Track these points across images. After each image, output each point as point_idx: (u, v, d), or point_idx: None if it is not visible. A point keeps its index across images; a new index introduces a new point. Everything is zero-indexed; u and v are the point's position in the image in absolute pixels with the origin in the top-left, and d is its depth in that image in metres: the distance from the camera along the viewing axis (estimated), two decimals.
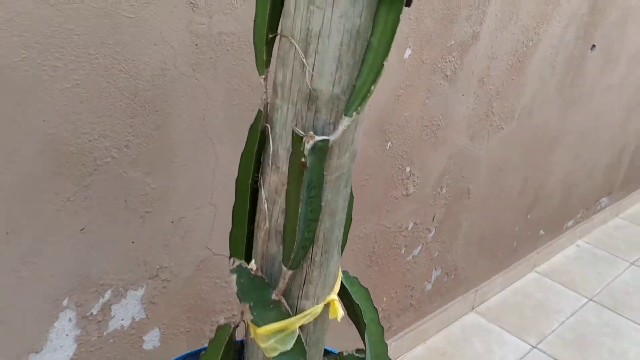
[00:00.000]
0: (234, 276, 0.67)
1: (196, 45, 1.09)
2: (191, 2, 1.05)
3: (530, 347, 2.25)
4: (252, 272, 0.68)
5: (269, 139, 0.67)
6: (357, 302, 0.79)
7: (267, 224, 0.68)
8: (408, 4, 0.58)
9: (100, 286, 1.15)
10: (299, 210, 0.61)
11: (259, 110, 0.67)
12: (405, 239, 1.87)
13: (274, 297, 0.68)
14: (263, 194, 0.69)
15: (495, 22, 1.73)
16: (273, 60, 0.67)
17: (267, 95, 0.67)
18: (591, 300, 2.58)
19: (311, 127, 0.62)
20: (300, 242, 0.64)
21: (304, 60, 0.59)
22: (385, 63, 0.58)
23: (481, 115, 1.89)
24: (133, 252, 1.17)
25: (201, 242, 1.29)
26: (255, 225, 0.71)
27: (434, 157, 1.80)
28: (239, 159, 0.76)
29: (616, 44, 2.43)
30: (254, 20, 0.65)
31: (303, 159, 0.58)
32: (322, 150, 0.61)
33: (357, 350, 0.82)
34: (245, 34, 1.16)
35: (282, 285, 0.68)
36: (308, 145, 0.59)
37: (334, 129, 0.62)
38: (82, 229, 1.08)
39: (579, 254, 2.94)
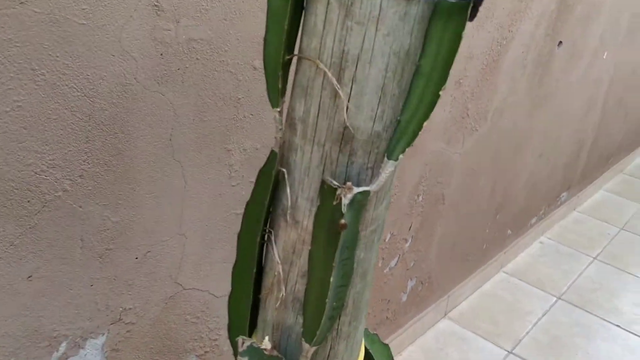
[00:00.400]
0: None
1: (161, 54, 0.93)
2: (155, 5, 0.89)
3: (506, 352, 2.19)
4: (267, 352, 0.54)
5: (286, 187, 0.53)
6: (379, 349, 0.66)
7: (283, 291, 0.54)
8: (472, 18, 0.45)
9: (53, 339, 0.98)
10: (331, 278, 0.47)
11: (273, 152, 0.53)
12: (382, 251, 1.76)
13: None
14: (276, 253, 0.54)
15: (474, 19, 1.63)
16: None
17: (284, 132, 0.52)
18: (560, 299, 2.56)
19: (343, 174, 0.49)
20: (328, 313, 0.50)
21: (339, 91, 0.46)
22: (441, 93, 0.45)
23: (457, 118, 1.80)
24: (92, 296, 1.01)
25: (169, 278, 1.13)
26: (264, 290, 0.57)
27: (411, 164, 1.69)
28: (244, 209, 0.61)
29: (580, 40, 2.39)
30: (265, 39, 0.50)
31: (342, 220, 0.45)
32: (360, 204, 0.48)
33: None
34: (217, 40, 1.00)
35: None
36: (346, 200, 0.45)
37: (372, 174, 0.49)
38: (29, 277, 0.90)
39: (543, 251, 2.91)
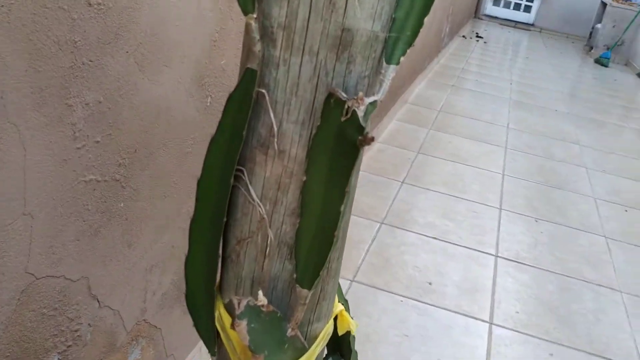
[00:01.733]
0: (244, 322, 0.43)
1: None
2: None
3: (350, 281, 2.29)
4: (264, 309, 0.45)
5: (267, 111, 0.43)
6: (341, 302, 0.61)
7: (270, 235, 0.45)
8: None
9: None
10: (341, 208, 0.40)
11: (249, 70, 0.42)
12: None
13: (289, 333, 0.47)
14: (253, 193, 0.45)
15: None
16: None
17: (262, 45, 0.42)
18: (382, 223, 2.74)
19: (341, 86, 0.41)
20: (333, 248, 0.43)
21: None
22: None
23: None
24: None
25: (19, 268, 0.94)
26: (236, 241, 0.47)
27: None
28: (208, 146, 0.49)
29: None
30: None
31: (365, 134, 0.37)
32: (368, 117, 0.41)
33: (333, 357, 0.65)
34: None
35: (300, 313, 0.47)
36: (360, 112, 0.38)
37: (369, 84, 0.42)
38: None
39: (359, 182, 3.08)
